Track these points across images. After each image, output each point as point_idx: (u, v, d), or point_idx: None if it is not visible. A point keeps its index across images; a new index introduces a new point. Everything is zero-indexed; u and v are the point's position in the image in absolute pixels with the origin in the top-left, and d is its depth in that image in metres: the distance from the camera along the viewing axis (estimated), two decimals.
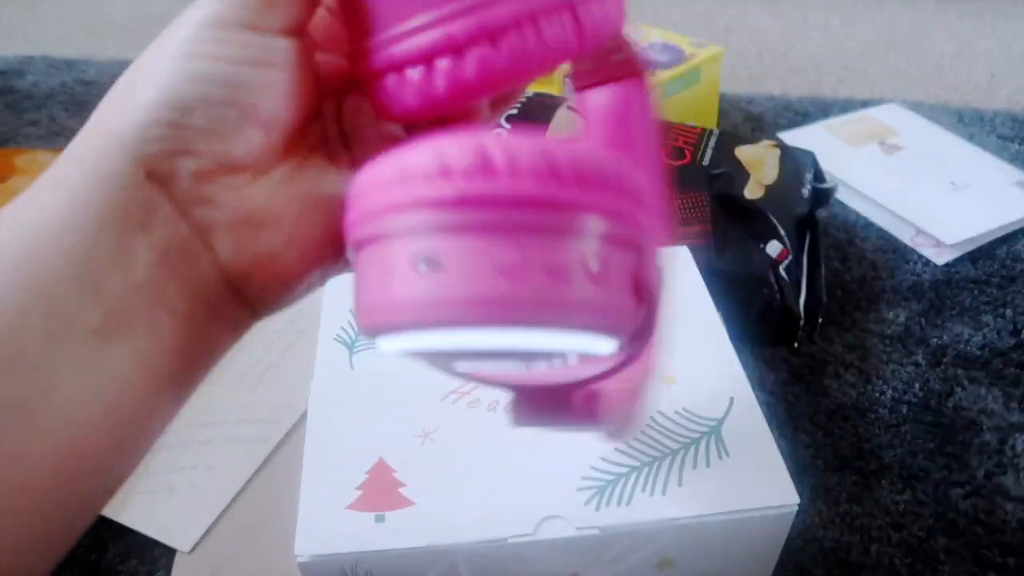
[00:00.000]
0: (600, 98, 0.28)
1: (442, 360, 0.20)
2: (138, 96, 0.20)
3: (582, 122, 0.29)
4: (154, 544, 0.43)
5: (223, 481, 0.46)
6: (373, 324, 0.18)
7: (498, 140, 0.17)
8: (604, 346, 0.18)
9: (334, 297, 0.44)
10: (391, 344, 0.18)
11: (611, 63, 0.26)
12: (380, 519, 0.33)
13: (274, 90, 0.21)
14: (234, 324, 0.23)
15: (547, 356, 0.19)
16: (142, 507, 0.45)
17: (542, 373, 0.21)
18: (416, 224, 0.17)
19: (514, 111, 0.57)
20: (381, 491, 0.34)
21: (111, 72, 0.97)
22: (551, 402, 0.22)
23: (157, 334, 0.20)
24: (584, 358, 0.20)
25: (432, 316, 0.16)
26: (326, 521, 0.33)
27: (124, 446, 0.20)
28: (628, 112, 0.27)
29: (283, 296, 0.23)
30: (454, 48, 0.18)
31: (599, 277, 0.17)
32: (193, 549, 0.43)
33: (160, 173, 0.20)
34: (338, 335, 0.42)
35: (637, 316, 0.19)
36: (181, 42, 0.20)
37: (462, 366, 0.20)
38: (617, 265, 0.18)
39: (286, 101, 0.21)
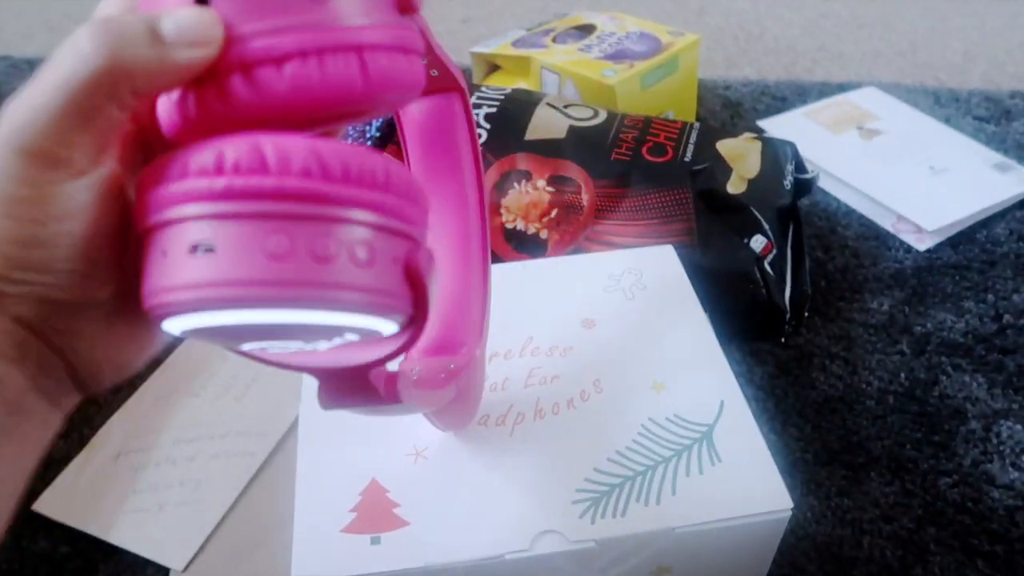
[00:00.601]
0: (418, 108, 0.33)
1: (227, 341, 0.22)
2: None
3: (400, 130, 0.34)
4: (146, 563, 0.43)
5: (213, 497, 0.46)
6: (156, 307, 0.19)
7: (274, 140, 0.19)
8: (380, 326, 0.21)
9: None
10: (174, 326, 0.20)
11: (430, 78, 0.29)
12: (376, 541, 0.33)
13: (83, 233, 0.20)
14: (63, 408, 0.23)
15: (324, 335, 0.21)
16: (131, 526, 0.44)
17: (334, 356, 0.23)
18: (192, 212, 0.19)
19: (493, 109, 0.56)
20: (375, 512, 0.34)
21: None
22: (350, 384, 0.24)
23: (23, 441, 0.21)
24: (367, 339, 0.21)
25: (206, 296, 0.18)
26: (322, 545, 0.33)
27: None
28: (442, 121, 0.33)
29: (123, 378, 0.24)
30: (241, 65, 0.20)
31: (365, 262, 0.19)
32: (187, 568, 0.43)
33: (24, 317, 0.20)
34: None
35: (408, 299, 0.21)
36: None
37: (249, 347, 0.22)
38: (384, 252, 0.20)
39: (100, 234, 0.21)
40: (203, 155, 0.19)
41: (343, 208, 0.19)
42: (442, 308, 0.35)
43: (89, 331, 0.22)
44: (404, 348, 0.22)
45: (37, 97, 0.19)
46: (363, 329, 0.20)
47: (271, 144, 0.19)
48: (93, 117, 0.19)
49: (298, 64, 0.20)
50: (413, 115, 0.34)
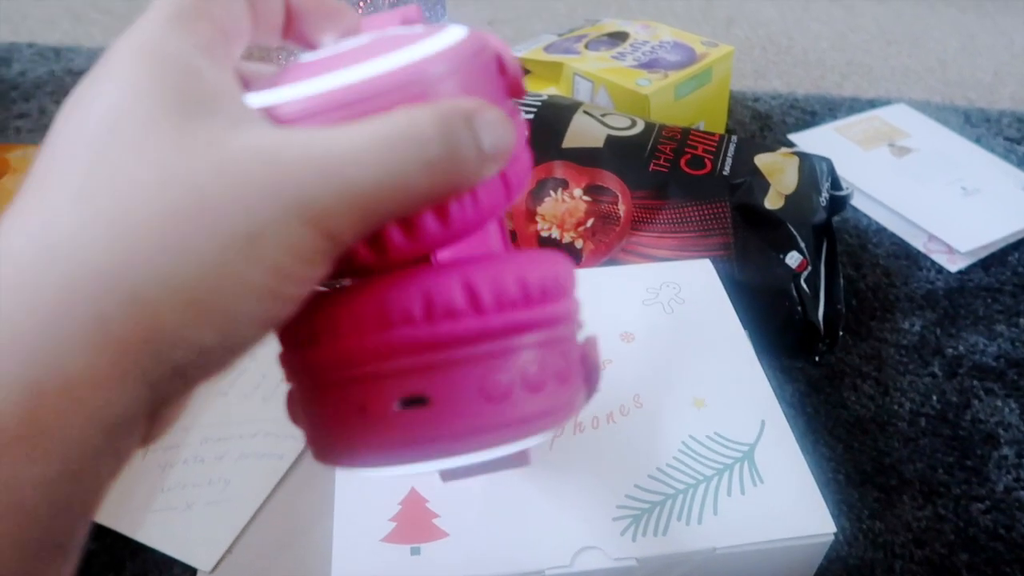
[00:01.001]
0: None
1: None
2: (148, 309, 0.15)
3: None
4: (173, 563, 0.43)
5: (241, 498, 0.45)
6: (362, 465, 0.19)
7: (459, 279, 0.18)
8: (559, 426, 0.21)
9: None
10: (371, 473, 0.19)
11: None
12: (416, 551, 0.33)
13: (280, 314, 0.17)
14: None
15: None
16: (159, 525, 0.44)
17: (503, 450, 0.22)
18: (400, 367, 0.17)
19: (530, 115, 0.56)
20: (415, 522, 0.34)
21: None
22: (486, 466, 0.22)
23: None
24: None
25: (424, 452, 0.18)
26: (362, 554, 0.33)
27: None
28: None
29: None
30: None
31: (565, 375, 0.19)
32: (214, 568, 0.42)
33: (162, 393, 0.16)
34: None
35: (590, 388, 0.21)
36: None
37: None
38: (574, 358, 0.20)
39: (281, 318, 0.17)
40: (406, 300, 0.17)
41: (545, 330, 0.19)
42: None
43: (185, 400, 0.19)
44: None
45: (349, 166, 0.16)
46: (547, 436, 0.21)
47: (464, 283, 0.18)
48: (383, 211, 0.16)
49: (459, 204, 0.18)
50: None
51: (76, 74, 0.91)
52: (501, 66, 0.20)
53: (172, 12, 0.18)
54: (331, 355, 0.18)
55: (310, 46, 0.22)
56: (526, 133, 0.21)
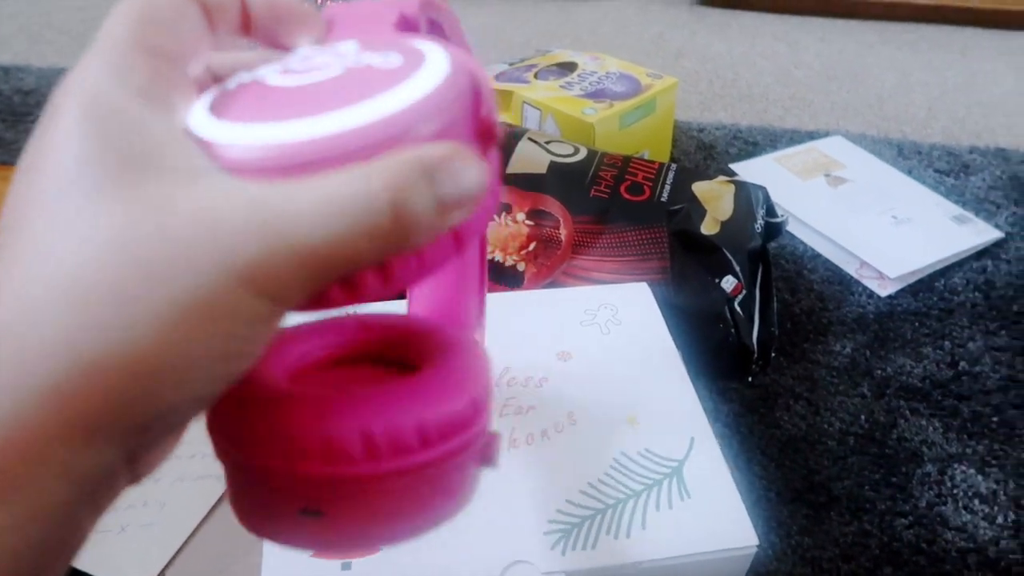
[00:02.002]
0: None
1: None
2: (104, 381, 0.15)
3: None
4: None
5: (177, 520, 0.45)
6: (257, 533, 0.21)
7: (358, 427, 0.19)
8: None
9: None
10: None
11: None
12: (347, 566, 0.33)
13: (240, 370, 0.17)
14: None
15: None
16: (91, 547, 0.43)
17: None
18: (299, 488, 0.19)
19: None
20: None
21: (51, 81, 0.94)
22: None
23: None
24: None
25: (315, 549, 0.20)
26: (292, 569, 0.33)
27: None
28: None
29: None
30: None
31: (455, 491, 0.21)
32: None
33: (133, 445, 0.16)
34: None
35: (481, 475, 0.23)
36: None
37: None
38: (470, 471, 0.22)
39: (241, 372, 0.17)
40: (310, 441, 0.19)
41: (437, 467, 0.20)
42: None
43: (170, 442, 0.20)
44: None
45: (295, 230, 0.15)
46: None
47: (363, 432, 0.19)
48: (330, 275, 0.16)
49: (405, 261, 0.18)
50: None
51: (25, 93, 0.91)
52: (477, 101, 0.20)
53: (110, 57, 0.17)
54: (246, 462, 0.20)
55: (282, 48, 0.22)
56: (496, 168, 0.21)
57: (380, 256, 0.17)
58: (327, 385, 0.21)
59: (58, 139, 0.16)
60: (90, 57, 0.17)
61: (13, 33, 1.07)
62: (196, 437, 0.51)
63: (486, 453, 0.22)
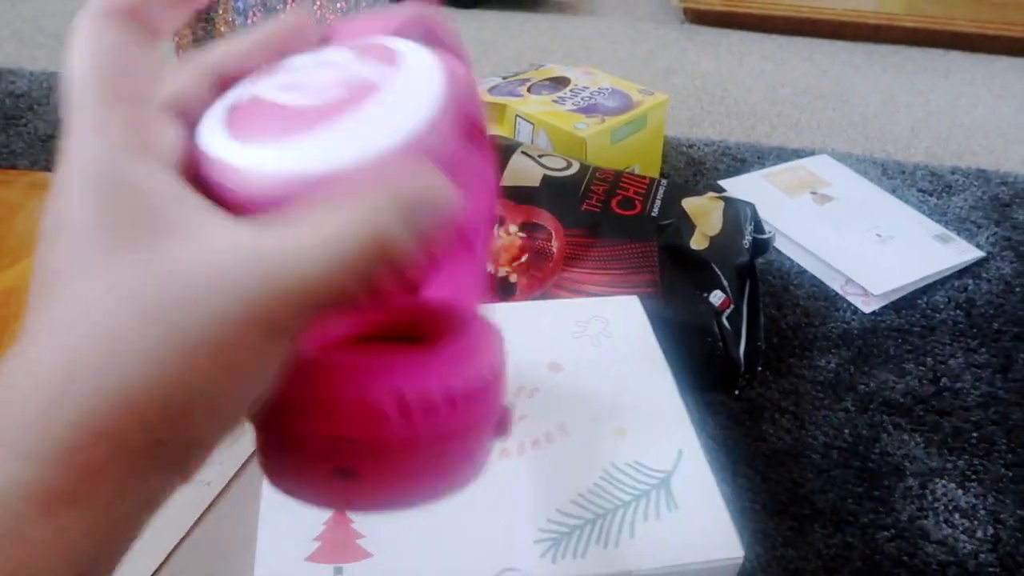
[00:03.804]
0: None
1: None
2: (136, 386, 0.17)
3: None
4: None
5: (162, 529, 0.45)
6: (289, 494, 0.22)
7: (392, 392, 0.20)
8: None
9: None
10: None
11: None
12: (339, 571, 0.33)
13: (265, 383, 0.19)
14: None
15: None
16: None
17: None
18: (336, 448, 0.21)
19: None
20: (339, 542, 0.34)
21: (43, 85, 0.94)
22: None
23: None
24: None
25: (347, 508, 0.22)
26: (284, 573, 0.33)
27: None
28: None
29: None
30: None
31: (477, 454, 0.23)
32: None
33: (177, 460, 0.18)
34: None
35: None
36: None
37: None
38: (489, 433, 0.23)
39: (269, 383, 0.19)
40: (347, 405, 0.20)
41: (463, 432, 0.22)
42: None
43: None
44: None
45: (293, 269, 0.17)
46: None
47: (398, 396, 0.20)
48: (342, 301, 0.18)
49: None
50: None
51: (17, 97, 0.91)
52: (467, 104, 0.21)
53: (86, 118, 0.19)
54: (284, 428, 0.21)
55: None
56: (490, 171, 0.23)
57: (372, 286, 0.18)
58: (354, 355, 0.22)
59: (71, 210, 0.18)
60: (75, 121, 0.19)
61: (5, 37, 1.07)
62: None
63: (501, 423, 0.24)
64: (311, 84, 0.20)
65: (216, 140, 0.19)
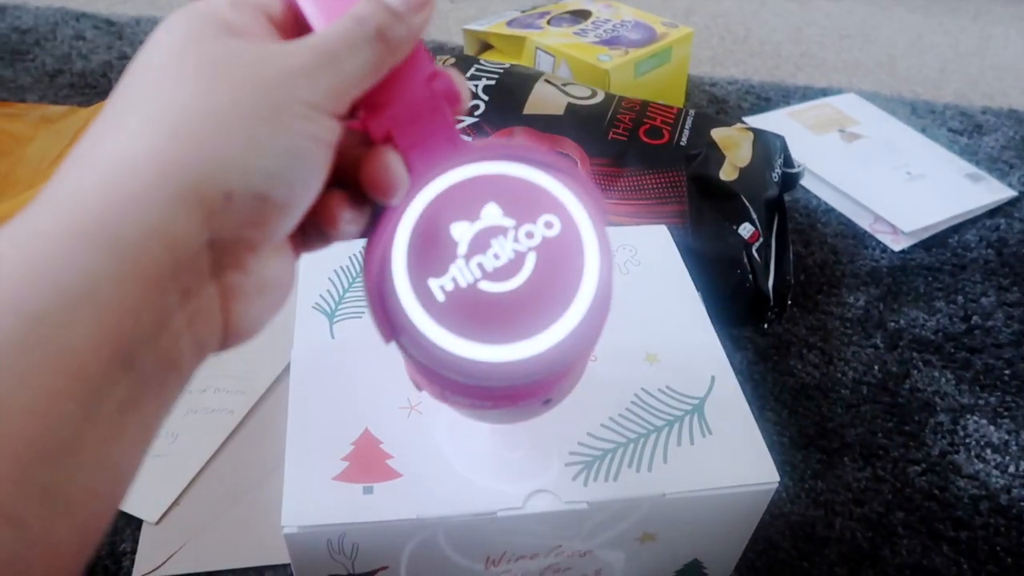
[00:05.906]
0: None
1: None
2: (205, 155, 0.20)
3: None
4: (118, 514, 0.42)
5: (189, 451, 0.45)
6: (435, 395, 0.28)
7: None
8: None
9: (310, 264, 0.43)
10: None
11: None
12: (368, 491, 0.33)
13: (315, 182, 0.22)
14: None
15: None
16: None
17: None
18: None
19: (492, 81, 0.56)
20: (368, 462, 0.34)
21: (48, 20, 0.92)
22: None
23: (166, 399, 0.20)
24: None
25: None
26: (313, 492, 0.32)
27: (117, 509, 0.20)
28: None
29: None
30: None
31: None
32: (160, 520, 0.42)
33: (221, 242, 0.20)
34: (317, 303, 0.41)
35: None
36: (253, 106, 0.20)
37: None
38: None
39: (318, 187, 0.23)
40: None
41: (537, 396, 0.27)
42: None
43: (254, 276, 0.22)
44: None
45: (328, 65, 0.22)
46: None
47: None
48: (363, 80, 0.22)
49: None
50: None
51: (23, 32, 0.88)
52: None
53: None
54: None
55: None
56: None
57: (386, 65, 0.23)
58: None
59: (170, 35, 0.22)
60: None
61: None
62: (209, 371, 0.51)
63: None
64: (503, 270, 0.25)
65: (431, 327, 0.24)
